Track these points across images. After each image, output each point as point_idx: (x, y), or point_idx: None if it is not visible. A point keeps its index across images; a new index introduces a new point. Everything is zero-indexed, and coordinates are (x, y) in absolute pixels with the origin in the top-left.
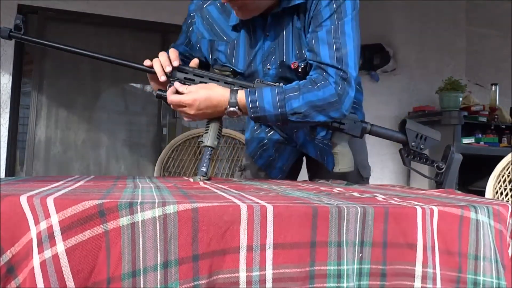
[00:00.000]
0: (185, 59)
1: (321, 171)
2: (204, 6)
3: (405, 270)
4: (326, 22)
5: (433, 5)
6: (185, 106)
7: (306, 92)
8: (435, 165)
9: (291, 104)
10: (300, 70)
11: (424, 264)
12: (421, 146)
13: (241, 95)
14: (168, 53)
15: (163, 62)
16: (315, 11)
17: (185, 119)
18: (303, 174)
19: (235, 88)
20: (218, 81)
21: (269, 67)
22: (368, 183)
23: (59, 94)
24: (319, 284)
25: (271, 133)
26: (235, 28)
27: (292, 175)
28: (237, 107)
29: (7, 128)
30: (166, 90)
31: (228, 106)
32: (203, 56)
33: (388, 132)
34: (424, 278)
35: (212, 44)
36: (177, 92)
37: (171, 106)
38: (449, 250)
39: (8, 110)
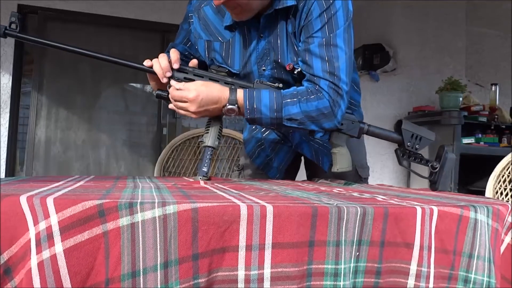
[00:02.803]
0: (184, 58)
1: (319, 170)
2: (202, 7)
3: (399, 268)
4: (317, 33)
5: (433, 5)
6: (186, 102)
7: (303, 101)
8: (430, 165)
9: (288, 110)
10: (295, 72)
11: (419, 263)
12: (416, 146)
13: (240, 94)
14: (168, 55)
15: (164, 66)
16: (305, 20)
17: (182, 113)
18: (302, 173)
19: (233, 87)
20: (218, 81)
21: (264, 68)
22: (367, 183)
23: (59, 94)
24: (316, 282)
25: (267, 133)
26: (230, 28)
27: (289, 174)
28: (236, 105)
29: (7, 128)
30: (166, 90)
31: (227, 104)
32: (201, 56)
33: (384, 133)
34: (418, 276)
35: (209, 44)
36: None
37: (172, 104)
38: (445, 249)
39: (8, 110)
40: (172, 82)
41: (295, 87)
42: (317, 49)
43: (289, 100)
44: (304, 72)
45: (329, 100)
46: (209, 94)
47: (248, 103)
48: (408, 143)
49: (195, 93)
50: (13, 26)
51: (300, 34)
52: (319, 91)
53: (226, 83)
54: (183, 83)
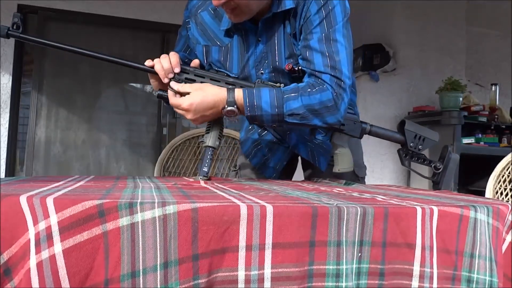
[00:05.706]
0: (184, 65)
1: (317, 170)
2: (198, 12)
3: (403, 269)
4: (316, 29)
5: (433, 5)
6: (182, 110)
7: (305, 95)
8: (433, 165)
9: (289, 104)
10: (294, 70)
11: (422, 264)
12: (420, 146)
13: (239, 93)
14: (169, 57)
15: (166, 68)
16: (304, 18)
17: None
18: (300, 174)
19: (230, 87)
20: (219, 81)
21: (262, 71)
22: (364, 183)
23: (59, 94)
24: (318, 283)
25: (264, 133)
26: (228, 32)
27: (286, 174)
28: (235, 106)
29: (7, 128)
30: (167, 90)
31: (226, 106)
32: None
33: (387, 133)
34: (421, 277)
35: (207, 49)
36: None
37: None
38: (447, 249)
39: (8, 110)
40: (172, 83)
41: (296, 83)
42: (317, 44)
43: (290, 95)
44: (304, 69)
45: (332, 93)
46: (203, 101)
47: (248, 101)
48: (411, 144)
49: (188, 103)
50: (16, 26)
51: (300, 33)
52: (321, 84)
53: (227, 83)
54: (182, 84)
